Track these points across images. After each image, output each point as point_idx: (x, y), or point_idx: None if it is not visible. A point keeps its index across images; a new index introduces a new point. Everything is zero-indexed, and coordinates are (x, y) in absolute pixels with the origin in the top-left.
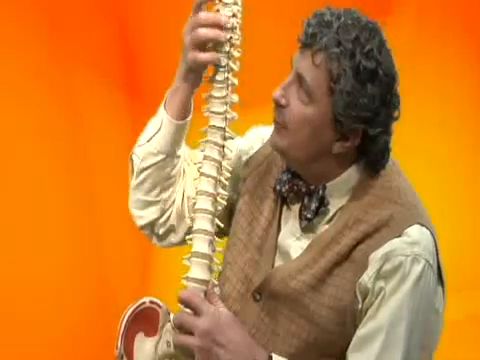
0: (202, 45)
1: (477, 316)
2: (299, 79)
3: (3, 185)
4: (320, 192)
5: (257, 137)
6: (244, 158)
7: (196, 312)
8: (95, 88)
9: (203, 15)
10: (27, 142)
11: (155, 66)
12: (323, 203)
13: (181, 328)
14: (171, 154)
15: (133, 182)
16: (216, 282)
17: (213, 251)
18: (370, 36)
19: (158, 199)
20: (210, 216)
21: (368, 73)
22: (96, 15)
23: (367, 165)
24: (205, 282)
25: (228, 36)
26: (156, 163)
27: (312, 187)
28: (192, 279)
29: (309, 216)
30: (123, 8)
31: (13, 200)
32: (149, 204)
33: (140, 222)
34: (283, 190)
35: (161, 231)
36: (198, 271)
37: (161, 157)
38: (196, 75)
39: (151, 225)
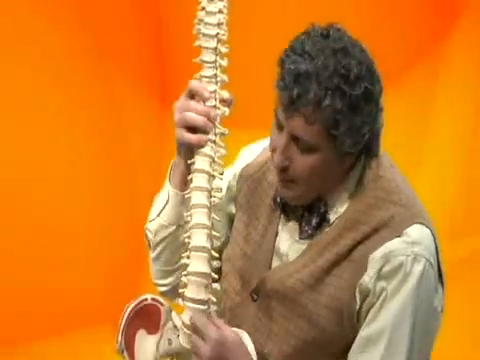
0: (189, 126)
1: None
2: (294, 138)
3: (51, 174)
4: (321, 208)
5: (250, 151)
6: (239, 171)
7: (201, 337)
8: (131, 91)
9: (194, 104)
10: (71, 130)
11: (187, 74)
12: (324, 218)
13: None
14: (182, 224)
15: (151, 255)
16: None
17: (211, 245)
18: (345, 55)
19: (178, 266)
20: (206, 210)
21: (361, 97)
22: (134, 22)
23: (366, 158)
24: (206, 275)
25: (215, 32)
26: (169, 235)
27: (314, 203)
28: (193, 273)
29: (310, 232)
30: (160, 14)
31: (60, 181)
32: (170, 273)
33: (163, 289)
34: (283, 202)
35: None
36: (199, 264)
37: (173, 228)
38: (186, 150)
39: (174, 289)
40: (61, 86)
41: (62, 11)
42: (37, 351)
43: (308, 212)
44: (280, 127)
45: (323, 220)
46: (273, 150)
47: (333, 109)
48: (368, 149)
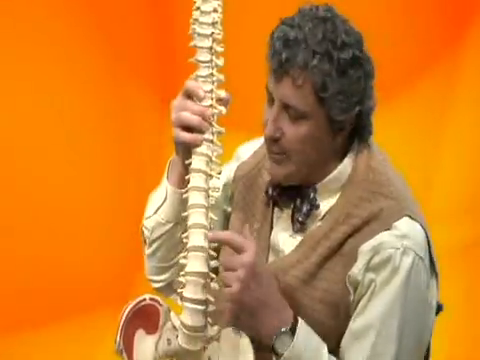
0: (185, 125)
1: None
2: (285, 106)
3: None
4: (311, 195)
5: (246, 149)
6: (235, 169)
7: (238, 249)
8: (137, 89)
9: (190, 104)
10: (77, 127)
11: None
12: (314, 205)
13: (227, 269)
14: (179, 221)
15: (147, 252)
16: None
17: (209, 244)
18: (333, 24)
19: (174, 262)
20: (204, 210)
21: (349, 62)
22: (141, 21)
23: (358, 144)
24: (204, 275)
25: (209, 31)
26: (166, 232)
27: (303, 191)
28: (190, 273)
29: (301, 219)
30: (168, 13)
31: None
32: (165, 269)
33: (157, 285)
34: (274, 194)
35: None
36: (197, 264)
37: (170, 226)
38: (183, 149)
39: (168, 285)
40: (70, 84)
41: (74, 10)
42: (38, 337)
43: (300, 199)
44: (271, 101)
45: (312, 207)
46: (265, 124)
47: (321, 71)
48: (359, 132)
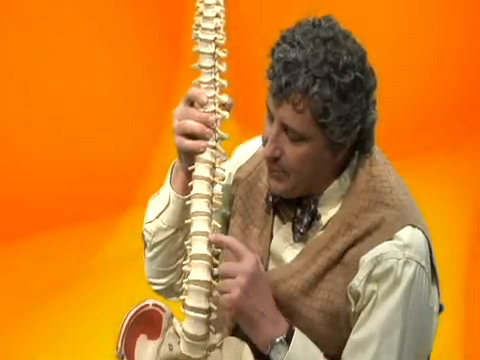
0: (188, 133)
1: None
2: (285, 127)
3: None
4: (312, 206)
5: (244, 151)
6: (234, 172)
7: (238, 256)
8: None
9: (192, 111)
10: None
11: None
12: (315, 216)
13: (225, 276)
14: (181, 227)
15: (147, 255)
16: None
17: (212, 252)
18: (335, 44)
19: (175, 267)
20: (207, 217)
21: (350, 86)
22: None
23: (360, 155)
24: (206, 283)
25: (212, 37)
26: (167, 238)
27: (304, 201)
28: (193, 281)
29: (302, 231)
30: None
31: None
32: (166, 273)
33: (157, 287)
34: (275, 201)
35: (181, 289)
36: (199, 272)
37: (171, 231)
38: (186, 156)
39: (170, 287)
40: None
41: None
42: (40, 244)
43: (300, 209)
44: (271, 118)
45: (314, 218)
46: (265, 141)
47: (321, 97)
48: (361, 144)
